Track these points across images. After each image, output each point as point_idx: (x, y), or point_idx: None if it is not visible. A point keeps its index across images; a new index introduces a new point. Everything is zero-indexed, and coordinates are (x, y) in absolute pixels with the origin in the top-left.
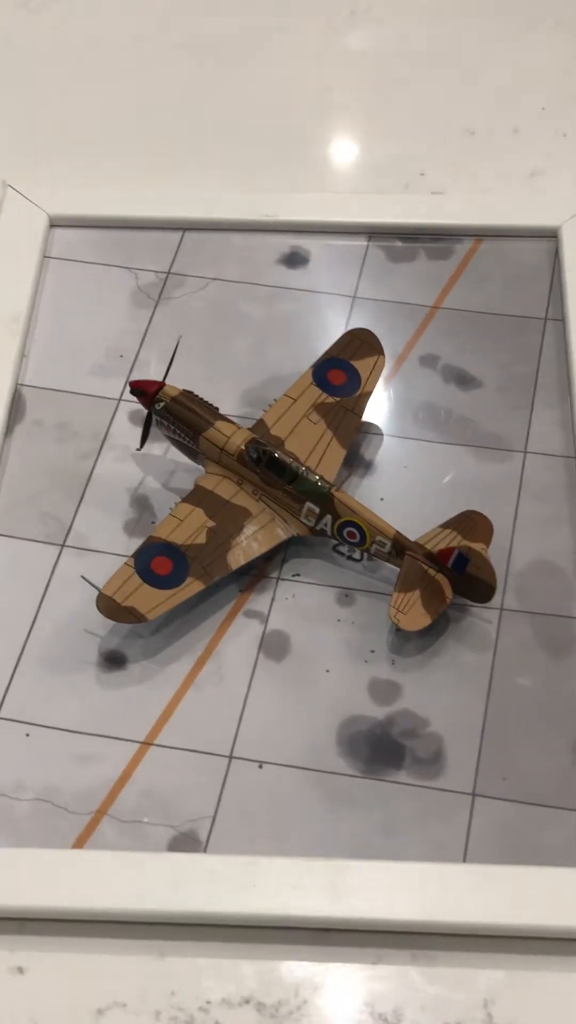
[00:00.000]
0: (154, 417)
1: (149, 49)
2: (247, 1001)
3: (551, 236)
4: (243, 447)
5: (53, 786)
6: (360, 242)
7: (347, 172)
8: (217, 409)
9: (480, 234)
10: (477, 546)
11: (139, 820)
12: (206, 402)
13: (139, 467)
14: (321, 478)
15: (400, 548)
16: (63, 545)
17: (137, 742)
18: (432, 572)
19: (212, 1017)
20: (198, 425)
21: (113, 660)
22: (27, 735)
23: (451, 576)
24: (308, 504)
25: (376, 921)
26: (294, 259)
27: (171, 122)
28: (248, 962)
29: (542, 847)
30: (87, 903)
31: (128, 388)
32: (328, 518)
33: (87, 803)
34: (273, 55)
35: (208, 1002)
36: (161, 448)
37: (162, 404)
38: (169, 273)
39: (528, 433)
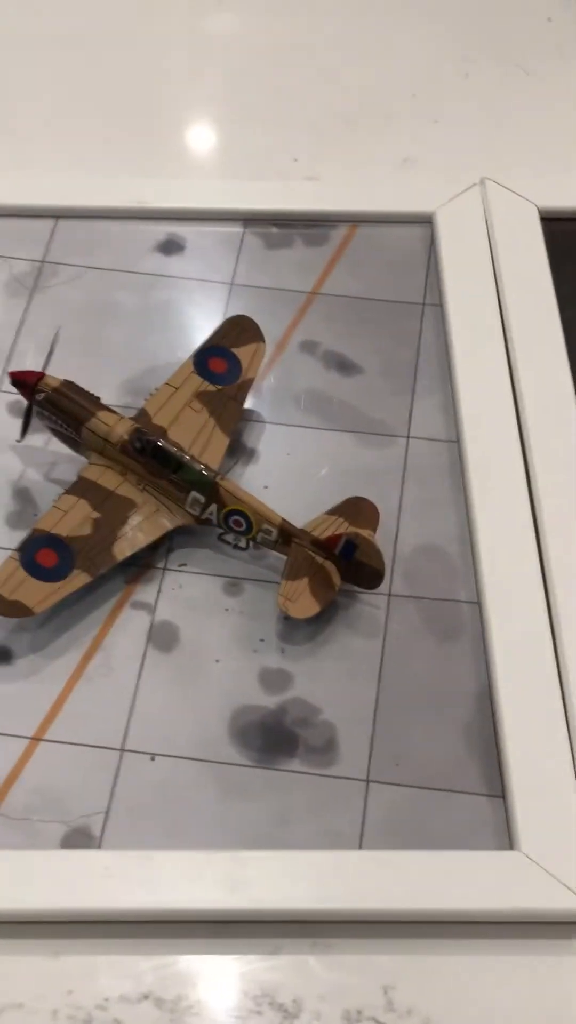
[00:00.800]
0: (35, 408)
1: (21, 35)
2: (146, 997)
3: (426, 222)
4: (126, 437)
5: None
6: (236, 229)
7: (222, 159)
8: (99, 399)
9: (356, 219)
10: (364, 532)
11: (29, 818)
12: (88, 392)
13: (20, 459)
14: (206, 466)
15: (287, 536)
16: None
17: (26, 738)
18: (320, 559)
19: (111, 1015)
20: (80, 415)
21: None
22: None
23: (339, 563)
24: (193, 493)
25: (274, 911)
26: (170, 246)
27: (43, 108)
28: (146, 958)
29: (436, 831)
30: None
31: (7, 379)
32: (214, 507)
33: None
34: (148, 41)
35: (106, 999)
36: (42, 439)
37: (43, 395)
38: (43, 262)
39: (410, 418)
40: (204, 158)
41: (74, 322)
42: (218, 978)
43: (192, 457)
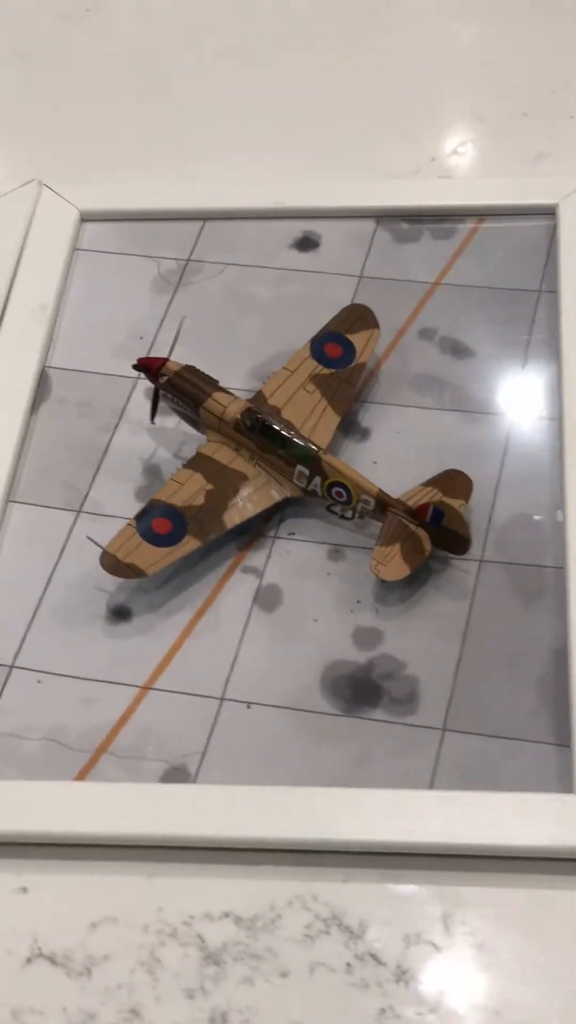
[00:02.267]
0: (160, 391)
1: (175, 53)
2: (226, 915)
3: (550, 214)
4: (239, 416)
5: (60, 726)
6: (369, 225)
7: (360, 159)
8: (217, 381)
9: (482, 213)
10: (455, 502)
11: (135, 756)
12: (206, 375)
13: (152, 439)
14: (309, 442)
15: (383, 505)
16: (79, 511)
17: (137, 686)
18: (412, 526)
19: (194, 930)
20: (198, 397)
21: (120, 614)
22: (39, 682)
23: (429, 530)
24: (299, 467)
25: (347, 842)
26: (305, 243)
27: (191, 120)
28: (229, 881)
29: (503, 775)
30: (83, 828)
31: (134, 365)
32: (317, 479)
33: (89, 742)
34: (286, 50)
35: (191, 916)
36: (173, 421)
37: (165, 378)
38: (188, 260)
39: (516, 398)
40: (344, 159)
41: (211, 314)
42: (291, 900)
43: (298, 434)
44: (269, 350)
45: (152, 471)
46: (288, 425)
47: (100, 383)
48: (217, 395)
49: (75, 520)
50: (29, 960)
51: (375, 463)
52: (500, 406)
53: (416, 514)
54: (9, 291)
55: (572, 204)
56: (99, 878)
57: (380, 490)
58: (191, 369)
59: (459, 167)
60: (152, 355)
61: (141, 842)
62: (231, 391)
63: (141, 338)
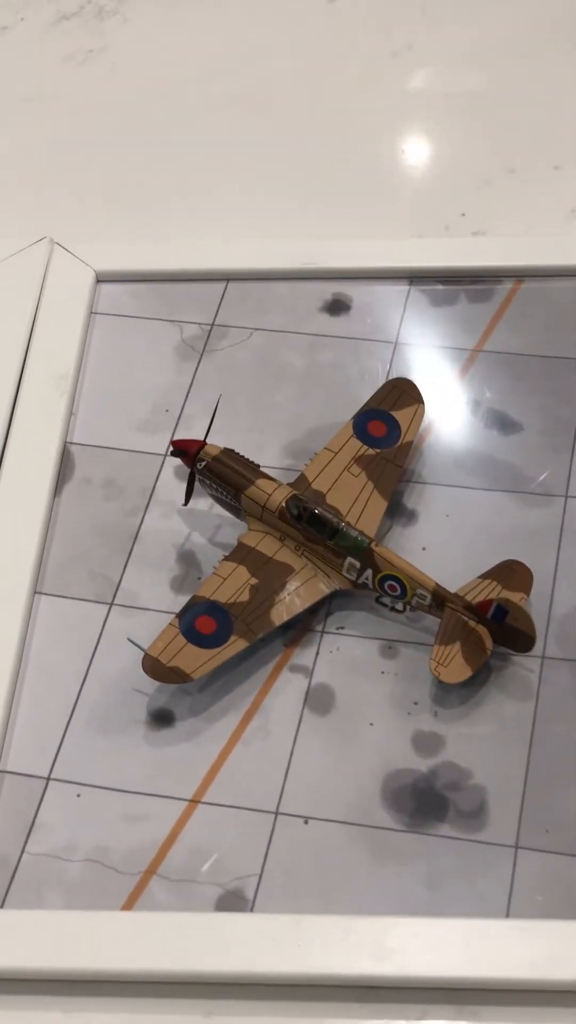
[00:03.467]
0: (196, 476)
1: (189, 100)
2: None
3: None
4: (284, 504)
5: (103, 846)
6: (402, 286)
7: (388, 216)
8: (258, 466)
9: (520, 274)
10: (516, 596)
11: (188, 879)
12: (246, 459)
13: (185, 523)
14: (361, 532)
15: (440, 600)
16: (112, 603)
17: (185, 800)
18: (472, 624)
19: None
20: (239, 484)
21: (161, 718)
22: (78, 796)
23: (491, 627)
24: (349, 559)
25: (420, 979)
26: (336, 306)
27: (211, 174)
28: (295, 1020)
29: None
30: (135, 964)
31: (170, 449)
32: (369, 572)
33: (136, 863)
34: (313, 101)
35: None
36: (206, 504)
37: (203, 463)
38: (213, 325)
39: (569, 477)
40: (372, 216)
41: (241, 384)
42: None
43: (348, 523)
44: (304, 424)
45: (187, 558)
46: (335, 512)
47: (126, 460)
48: (260, 482)
49: (107, 613)
50: None
51: (424, 549)
52: (553, 486)
53: (476, 610)
54: (24, 358)
55: None
56: (153, 1017)
57: (437, 584)
58: (230, 453)
59: (491, 223)
60: (179, 430)
61: (198, 979)
62: (272, 476)
63: (167, 411)
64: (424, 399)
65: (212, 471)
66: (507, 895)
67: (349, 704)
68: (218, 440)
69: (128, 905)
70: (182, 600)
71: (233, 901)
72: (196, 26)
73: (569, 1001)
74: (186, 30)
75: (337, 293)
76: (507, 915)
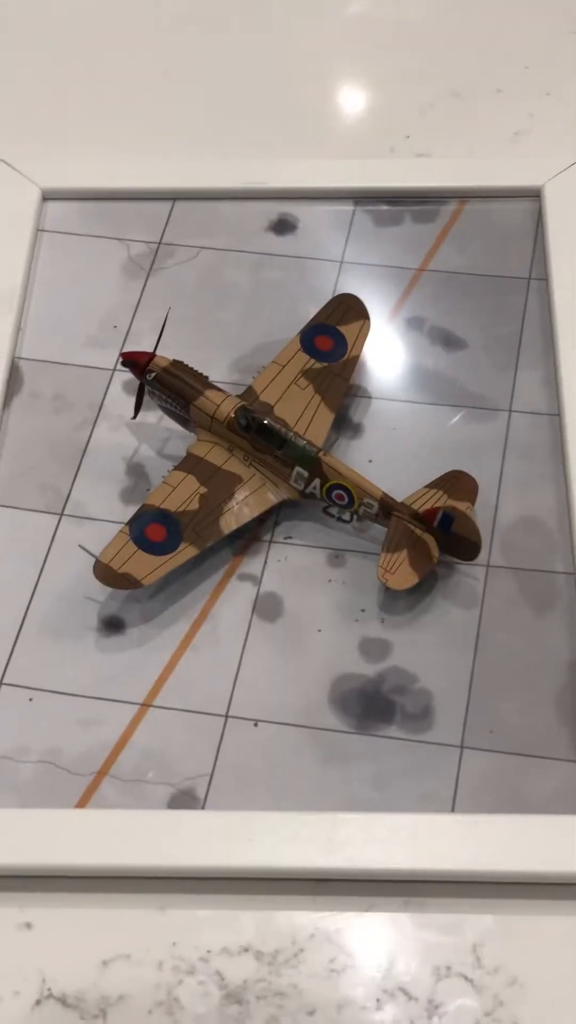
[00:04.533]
0: (146, 387)
1: (135, 20)
2: (246, 950)
3: (534, 196)
4: (232, 415)
5: (56, 748)
6: (347, 207)
7: (334, 137)
8: (207, 378)
9: (464, 195)
10: (462, 505)
11: (139, 779)
12: (196, 371)
13: (134, 436)
14: (309, 442)
15: (387, 509)
16: (62, 514)
17: (136, 704)
18: (419, 532)
19: (212, 966)
20: (188, 394)
21: (112, 625)
22: (30, 700)
23: (437, 535)
24: (297, 468)
25: (368, 871)
26: (282, 226)
27: (158, 94)
28: (246, 913)
29: (528, 796)
30: (90, 860)
31: (120, 360)
32: (317, 481)
33: (89, 764)
34: (257, 24)
35: (208, 952)
36: (155, 416)
37: (153, 375)
38: (160, 243)
39: (513, 392)
40: (317, 137)
41: (188, 302)
42: (314, 933)
43: (296, 433)
44: (251, 341)
45: (136, 470)
46: (283, 423)
47: (75, 375)
48: (209, 392)
49: (58, 523)
50: (39, 1002)
51: (370, 461)
52: (497, 401)
53: (423, 519)
54: None
55: (557, 187)
56: (108, 912)
57: (384, 493)
58: (180, 365)
59: (435, 145)
60: (128, 346)
61: (152, 873)
62: (221, 388)
63: (115, 327)
64: (369, 315)
65: (162, 382)
66: (452, 793)
67: (297, 611)
68: (167, 355)
69: (81, 805)
70: (131, 511)
71: (185, 800)
72: None
73: (510, 892)
74: None
75: (283, 213)
76: (452, 812)
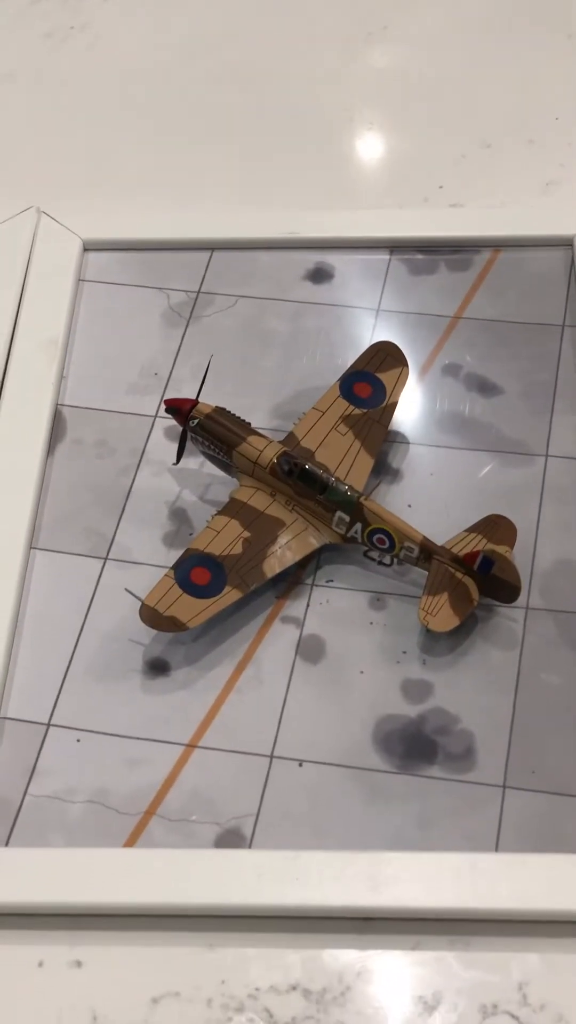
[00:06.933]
0: (189, 434)
1: (173, 74)
2: (294, 988)
3: (567, 244)
4: (275, 460)
5: (104, 789)
6: (382, 256)
7: (369, 188)
8: (249, 424)
9: (498, 244)
10: (501, 548)
11: (186, 819)
12: (238, 418)
13: (176, 481)
14: (350, 487)
15: (428, 553)
16: (106, 558)
17: (182, 744)
18: (459, 575)
19: (261, 1003)
20: (231, 440)
21: (157, 667)
22: (78, 741)
23: (477, 578)
24: (339, 513)
25: (414, 909)
26: (319, 275)
27: (196, 146)
28: (293, 951)
29: (571, 835)
30: (139, 898)
31: (163, 406)
32: (358, 525)
33: (136, 804)
34: (294, 77)
35: (257, 989)
36: (196, 463)
37: (196, 421)
38: (199, 292)
39: (549, 437)
40: (352, 188)
41: (227, 349)
42: (361, 971)
43: (337, 479)
44: (291, 388)
45: (179, 515)
46: (324, 468)
47: (117, 422)
48: (251, 438)
49: (102, 567)
50: None
51: (410, 506)
52: (533, 446)
53: (463, 562)
54: (15, 324)
55: None
56: (157, 950)
57: (424, 537)
58: (222, 411)
59: (468, 195)
60: (168, 393)
61: (200, 912)
62: (263, 434)
63: (156, 374)
64: (407, 362)
65: (205, 428)
66: (495, 832)
67: (339, 653)
68: (209, 402)
69: (129, 844)
70: (175, 555)
71: (231, 839)
72: (175, 1)
73: (554, 931)
74: (166, 4)
75: (319, 262)
76: (496, 850)
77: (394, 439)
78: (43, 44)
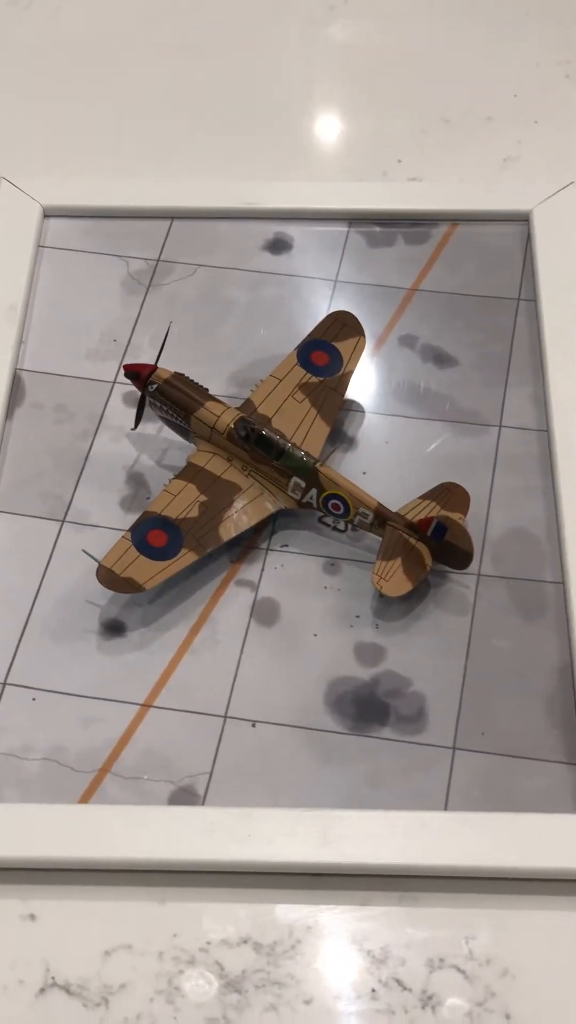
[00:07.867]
0: (147, 398)
1: (136, 44)
2: (244, 941)
3: (523, 220)
4: (232, 425)
5: (59, 746)
6: (341, 228)
7: (328, 160)
8: (207, 390)
9: (455, 219)
10: (455, 515)
11: (140, 777)
12: (197, 384)
13: (134, 446)
14: (306, 453)
15: (382, 519)
16: (63, 521)
17: (137, 704)
18: (412, 541)
19: (212, 956)
20: (189, 405)
21: (113, 628)
22: (34, 699)
23: (430, 544)
24: (295, 478)
25: (364, 866)
26: (278, 245)
27: (157, 115)
28: (244, 906)
29: (518, 795)
30: (92, 853)
31: (122, 371)
32: (314, 491)
33: (91, 762)
34: (256, 49)
35: (208, 943)
36: (154, 428)
37: (155, 386)
38: (159, 260)
39: (503, 408)
40: (313, 160)
41: (186, 317)
42: (311, 926)
43: (293, 445)
44: (249, 356)
45: (136, 479)
46: (281, 434)
47: (76, 387)
48: (209, 404)
49: (60, 530)
50: (42, 990)
51: (365, 473)
52: (487, 417)
53: (417, 528)
54: None
55: (545, 211)
56: (110, 904)
57: (379, 503)
58: (181, 377)
59: (427, 170)
60: (127, 358)
61: (152, 867)
62: (221, 399)
63: (115, 341)
64: (364, 332)
65: (163, 393)
66: (445, 792)
67: (293, 617)
68: (168, 368)
69: (84, 800)
70: (132, 518)
71: (185, 797)
72: None
73: (500, 887)
74: None
75: (279, 233)
76: (445, 809)
77: (350, 407)
78: (5, 12)
